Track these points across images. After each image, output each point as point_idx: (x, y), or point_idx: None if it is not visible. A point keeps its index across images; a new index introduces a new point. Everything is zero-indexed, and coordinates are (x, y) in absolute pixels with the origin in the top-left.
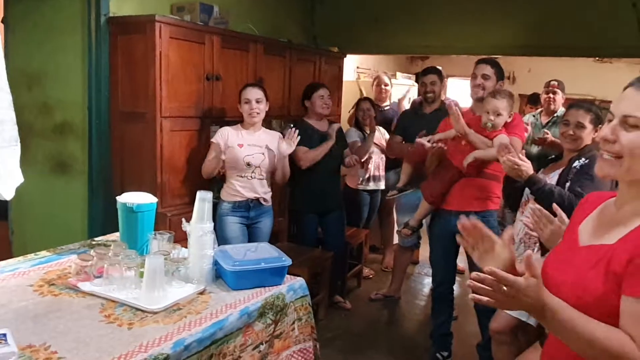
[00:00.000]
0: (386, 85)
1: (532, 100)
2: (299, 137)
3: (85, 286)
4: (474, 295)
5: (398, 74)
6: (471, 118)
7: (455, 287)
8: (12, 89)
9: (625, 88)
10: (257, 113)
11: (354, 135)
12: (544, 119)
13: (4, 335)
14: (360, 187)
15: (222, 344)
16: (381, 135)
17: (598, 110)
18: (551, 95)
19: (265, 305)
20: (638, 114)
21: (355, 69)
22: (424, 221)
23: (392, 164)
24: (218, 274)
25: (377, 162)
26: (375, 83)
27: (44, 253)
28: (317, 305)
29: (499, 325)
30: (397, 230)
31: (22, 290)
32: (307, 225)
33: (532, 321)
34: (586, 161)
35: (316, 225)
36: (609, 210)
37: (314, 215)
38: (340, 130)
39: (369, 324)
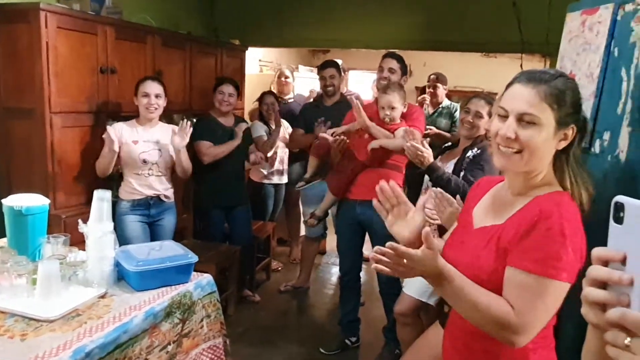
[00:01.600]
0: (287, 78)
1: (424, 92)
2: (202, 130)
3: None
4: (376, 265)
5: (300, 67)
6: (375, 111)
7: (362, 275)
8: None
9: (510, 84)
10: (155, 108)
11: (259, 130)
12: (431, 110)
13: None
14: (265, 181)
15: (127, 347)
16: (284, 129)
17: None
18: (431, 89)
19: (172, 304)
20: (532, 111)
21: (258, 61)
22: (330, 211)
23: (296, 157)
24: (120, 275)
25: (281, 156)
26: (277, 76)
27: None
28: (226, 300)
29: (403, 307)
30: (304, 221)
31: None
32: (213, 221)
33: (432, 301)
34: (478, 151)
35: (223, 221)
36: (499, 194)
37: (220, 211)
38: (247, 128)
39: (279, 315)
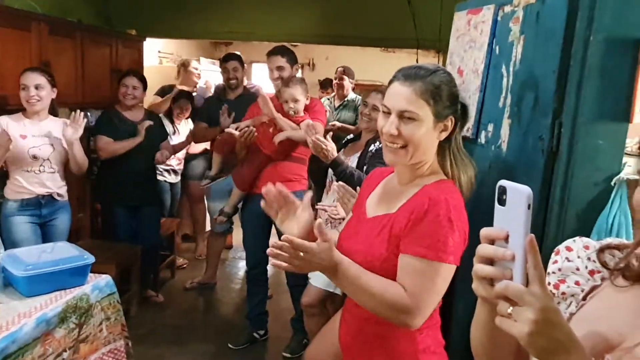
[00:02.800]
0: (196, 69)
1: (323, 85)
2: (102, 125)
3: None
4: (274, 261)
5: (202, 59)
6: (277, 104)
7: (269, 268)
8: None
9: (390, 81)
10: (37, 100)
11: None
12: (337, 103)
13: None
14: (160, 178)
15: (16, 358)
16: (186, 129)
17: None
18: (339, 81)
19: (66, 309)
20: (411, 108)
21: (157, 53)
22: (239, 206)
23: (200, 152)
24: (7, 281)
25: (177, 156)
26: (181, 67)
27: None
28: (128, 302)
29: (309, 298)
30: (214, 218)
31: None
32: (118, 220)
33: (338, 291)
34: (380, 145)
35: (129, 220)
36: (390, 184)
37: (125, 210)
38: (159, 122)
39: (185, 313)
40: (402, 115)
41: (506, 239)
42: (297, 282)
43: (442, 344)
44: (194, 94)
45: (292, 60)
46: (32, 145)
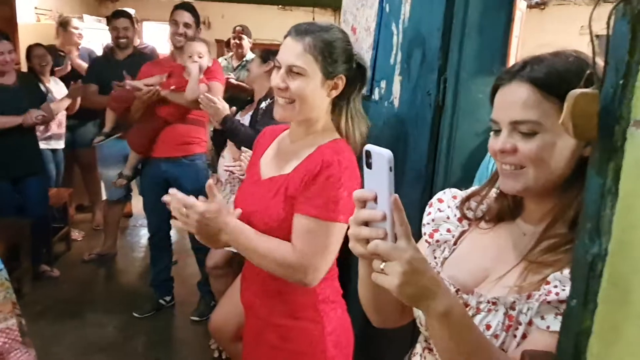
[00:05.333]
0: (77, 28)
1: (228, 44)
2: None
3: None
4: (173, 221)
5: (86, 16)
6: (174, 66)
7: (173, 233)
8: None
9: (284, 37)
10: None
11: None
12: (235, 63)
13: None
14: (42, 145)
15: None
16: (59, 87)
17: None
18: (237, 41)
19: None
20: (299, 63)
21: (34, 9)
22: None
23: (87, 115)
24: None
25: (59, 119)
26: (60, 26)
27: None
28: (19, 279)
29: (214, 260)
30: (112, 183)
31: None
32: (0, 194)
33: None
34: (271, 102)
35: (11, 193)
36: (284, 144)
37: (7, 182)
38: (32, 82)
39: (84, 287)
40: (291, 70)
41: (375, 199)
42: (202, 245)
43: (340, 292)
44: (76, 54)
45: (197, 20)
46: None
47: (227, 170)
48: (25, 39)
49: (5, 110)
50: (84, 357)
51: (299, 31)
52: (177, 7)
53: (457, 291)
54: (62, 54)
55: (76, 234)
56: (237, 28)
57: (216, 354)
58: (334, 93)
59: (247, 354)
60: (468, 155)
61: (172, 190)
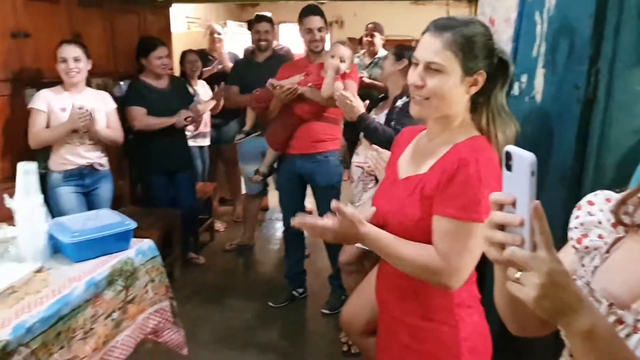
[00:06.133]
0: (218, 34)
1: (360, 42)
2: (133, 96)
3: None
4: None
5: (229, 22)
6: (310, 66)
7: None
8: None
9: (422, 33)
10: (77, 72)
11: None
12: (367, 60)
13: None
14: (190, 143)
15: (70, 319)
16: (205, 90)
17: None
18: (369, 38)
19: (113, 272)
20: (437, 60)
21: (185, 19)
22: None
23: (230, 115)
24: (56, 248)
25: (205, 118)
26: (208, 33)
27: None
28: (171, 264)
29: (347, 256)
30: (249, 178)
31: None
32: (156, 187)
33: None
34: (407, 100)
35: (166, 187)
36: (421, 143)
37: (162, 177)
38: (183, 85)
39: (225, 274)
40: (429, 67)
41: (514, 204)
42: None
43: (478, 297)
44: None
45: (326, 20)
46: None
47: (358, 167)
48: (177, 46)
49: (159, 112)
50: (225, 340)
51: (438, 27)
52: (307, 14)
53: (610, 305)
54: (210, 57)
55: (219, 225)
56: (370, 25)
57: (345, 348)
58: (474, 90)
59: (380, 349)
60: (623, 154)
61: (300, 218)
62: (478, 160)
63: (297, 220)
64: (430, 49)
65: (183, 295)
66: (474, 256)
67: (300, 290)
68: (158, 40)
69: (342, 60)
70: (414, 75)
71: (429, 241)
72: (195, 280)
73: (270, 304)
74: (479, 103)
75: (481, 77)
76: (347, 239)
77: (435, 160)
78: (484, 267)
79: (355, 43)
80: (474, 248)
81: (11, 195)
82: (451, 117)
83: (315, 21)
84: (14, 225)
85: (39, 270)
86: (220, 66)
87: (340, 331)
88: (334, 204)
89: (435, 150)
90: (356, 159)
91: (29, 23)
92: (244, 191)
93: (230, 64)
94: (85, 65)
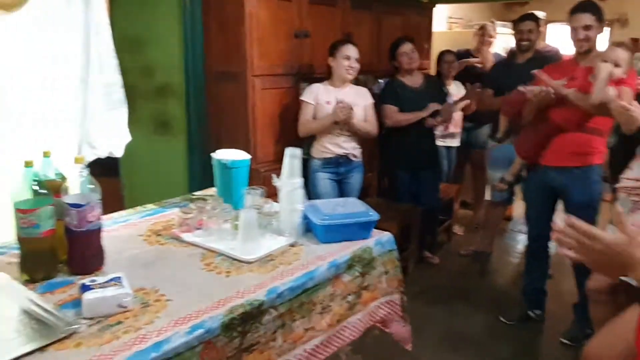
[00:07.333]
0: (490, 36)
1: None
2: (387, 94)
3: (187, 237)
4: (563, 250)
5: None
6: (576, 69)
7: (552, 245)
8: (117, 54)
9: None
10: (354, 70)
11: None
12: None
13: (119, 278)
14: (439, 142)
15: (312, 293)
16: (458, 91)
17: None
18: None
19: (353, 258)
20: None
21: (447, 19)
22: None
23: (483, 118)
24: (308, 227)
25: (456, 119)
26: (480, 34)
27: (150, 206)
28: (406, 259)
29: (597, 284)
30: (493, 185)
31: (133, 240)
32: (400, 182)
33: (634, 282)
34: None
35: (409, 182)
36: None
37: (406, 172)
38: (436, 84)
39: (458, 278)
40: None
41: None
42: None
43: None
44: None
45: (600, 17)
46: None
47: (628, 182)
48: (436, 46)
49: (411, 109)
50: (449, 345)
51: None
52: (575, 11)
53: None
54: (473, 58)
55: (457, 228)
56: None
57: None
58: None
59: None
60: None
61: (571, 220)
62: None
63: (560, 222)
64: None
65: (413, 291)
66: None
67: (538, 312)
68: (402, 38)
69: (616, 65)
70: None
71: None
72: (427, 278)
73: (502, 318)
74: None
75: None
76: (614, 261)
77: None
78: None
79: (638, 44)
80: None
81: (278, 175)
82: None
83: (583, 19)
84: (277, 202)
85: (292, 245)
86: (479, 65)
87: None
88: (616, 209)
89: None
90: (629, 174)
91: (309, 24)
92: (487, 197)
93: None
94: (358, 65)
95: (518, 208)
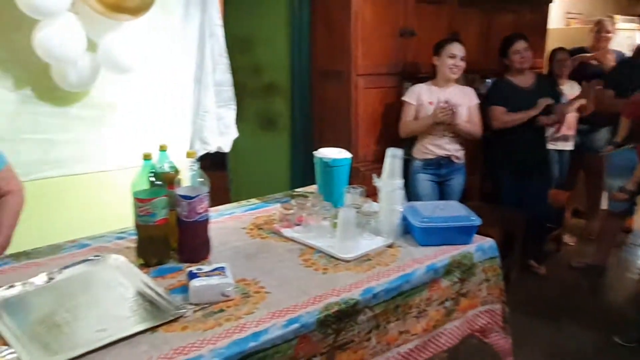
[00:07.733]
0: (608, 32)
1: None
2: (495, 95)
3: (287, 232)
4: None
5: (617, 17)
6: None
7: None
8: (228, 54)
9: None
10: (459, 69)
11: None
12: None
13: (223, 268)
14: (550, 145)
15: (408, 296)
16: (572, 91)
17: None
18: None
19: (452, 263)
20: None
21: (565, 15)
22: None
23: (601, 121)
24: (407, 229)
25: (570, 121)
26: (595, 30)
27: (254, 200)
28: (508, 267)
29: None
30: (612, 194)
31: (237, 232)
32: (504, 186)
33: None
34: None
35: (515, 187)
36: None
37: (512, 176)
38: (549, 84)
39: (567, 292)
40: None
41: None
42: None
43: None
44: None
45: None
46: None
47: None
48: (551, 43)
49: (521, 109)
50: None
51: None
52: None
53: None
54: (587, 55)
55: (568, 238)
56: None
57: None
58: None
59: None
60: None
61: None
62: None
63: None
64: None
65: (515, 301)
66: None
67: None
68: (515, 35)
69: None
70: None
71: None
72: (531, 290)
73: (616, 339)
74: None
75: None
76: None
77: None
78: None
79: None
80: None
81: (378, 175)
82: None
83: None
84: (376, 202)
85: (390, 246)
86: (595, 62)
87: None
88: None
89: None
90: None
91: (415, 22)
92: (603, 206)
93: (611, 64)
94: (464, 64)
95: (639, 219)
